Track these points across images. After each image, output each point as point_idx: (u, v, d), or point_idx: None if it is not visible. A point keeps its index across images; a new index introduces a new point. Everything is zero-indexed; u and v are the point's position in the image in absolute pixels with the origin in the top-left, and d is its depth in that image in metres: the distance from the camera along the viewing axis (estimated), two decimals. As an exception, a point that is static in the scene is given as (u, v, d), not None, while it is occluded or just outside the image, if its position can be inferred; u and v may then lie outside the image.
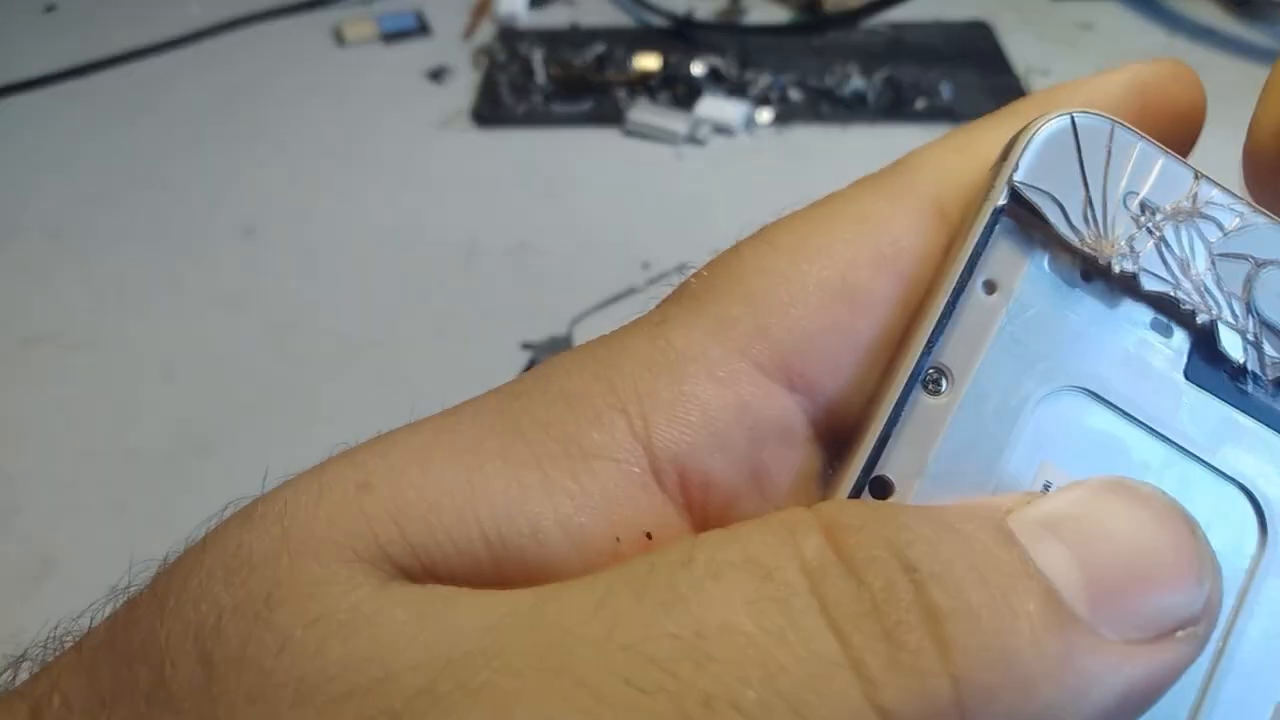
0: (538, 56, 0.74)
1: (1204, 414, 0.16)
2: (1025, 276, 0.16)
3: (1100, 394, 0.16)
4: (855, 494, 0.16)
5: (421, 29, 0.81)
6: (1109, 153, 0.16)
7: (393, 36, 0.80)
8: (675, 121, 0.69)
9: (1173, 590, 0.14)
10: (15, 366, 0.57)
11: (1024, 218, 0.16)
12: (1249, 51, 0.74)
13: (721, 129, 0.69)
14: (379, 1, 0.83)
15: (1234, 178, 0.18)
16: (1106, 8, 0.81)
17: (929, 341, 0.16)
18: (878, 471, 0.16)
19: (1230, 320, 0.16)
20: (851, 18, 0.77)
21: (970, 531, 0.13)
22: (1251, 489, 0.16)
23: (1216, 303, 0.16)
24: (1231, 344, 0.16)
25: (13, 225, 0.66)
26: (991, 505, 0.14)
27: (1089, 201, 0.16)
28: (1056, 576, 0.13)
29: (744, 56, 0.75)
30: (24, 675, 0.15)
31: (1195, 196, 0.17)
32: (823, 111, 0.70)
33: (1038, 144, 0.16)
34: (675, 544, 0.14)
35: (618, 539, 0.15)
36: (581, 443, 0.15)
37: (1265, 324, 0.16)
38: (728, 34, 0.78)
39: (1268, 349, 0.16)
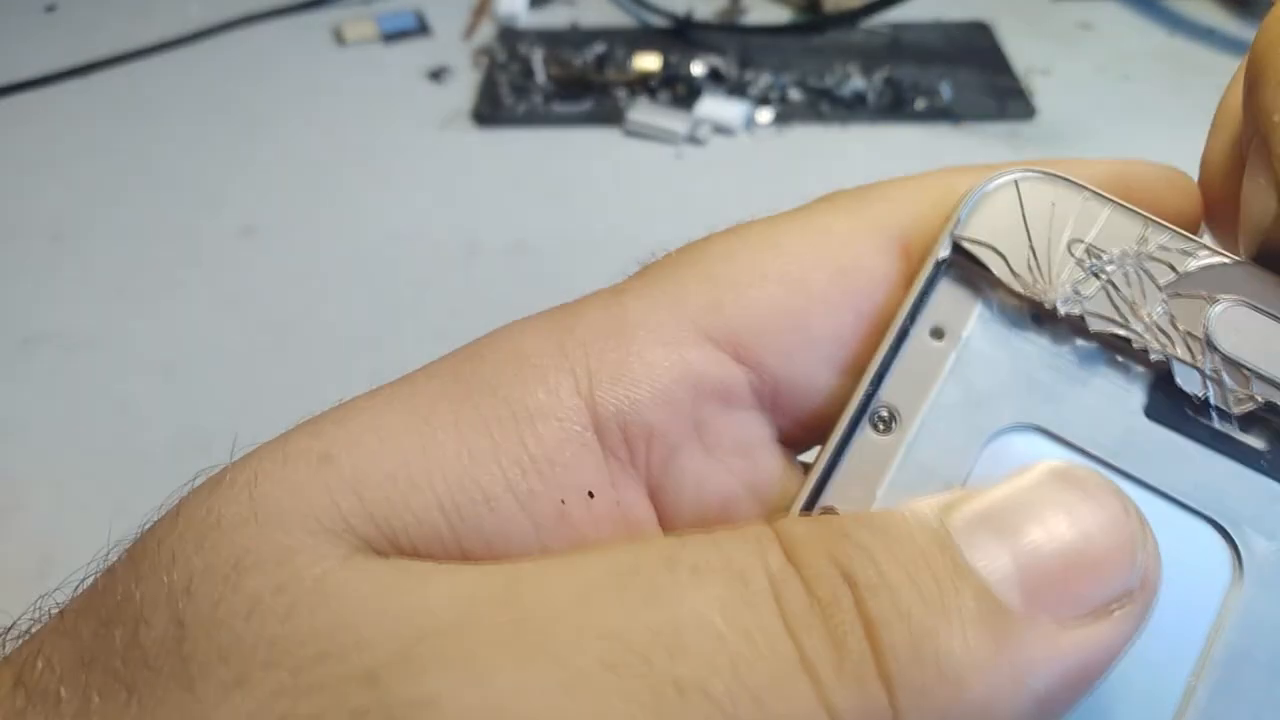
0: (538, 56, 0.74)
1: (1168, 450, 0.17)
2: (975, 323, 0.17)
3: (1055, 433, 0.17)
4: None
5: (421, 29, 0.81)
6: (1053, 205, 0.17)
7: (393, 36, 0.80)
8: (675, 121, 0.69)
9: (1107, 570, 0.14)
10: (15, 366, 0.57)
11: (968, 268, 0.17)
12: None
13: (721, 129, 0.69)
14: (379, 1, 0.83)
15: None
16: (1106, 8, 0.81)
17: (871, 384, 0.17)
18: (826, 503, 0.17)
19: (1185, 357, 0.17)
20: (851, 18, 0.77)
21: (906, 536, 0.14)
22: (1223, 522, 0.16)
23: (1170, 341, 0.17)
24: (1188, 380, 0.17)
25: (13, 225, 0.66)
26: (931, 503, 0.15)
27: (1032, 250, 0.17)
28: (990, 570, 0.14)
29: (744, 56, 0.75)
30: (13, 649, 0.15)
31: (1145, 241, 0.17)
32: (823, 111, 0.70)
33: (979, 200, 0.17)
34: (658, 542, 0.15)
35: (563, 501, 0.16)
36: (527, 404, 0.16)
37: (1226, 359, 0.17)
38: (728, 34, 0.78)
39: (1229, 383, 0.17)
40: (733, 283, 0.17)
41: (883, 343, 0.17)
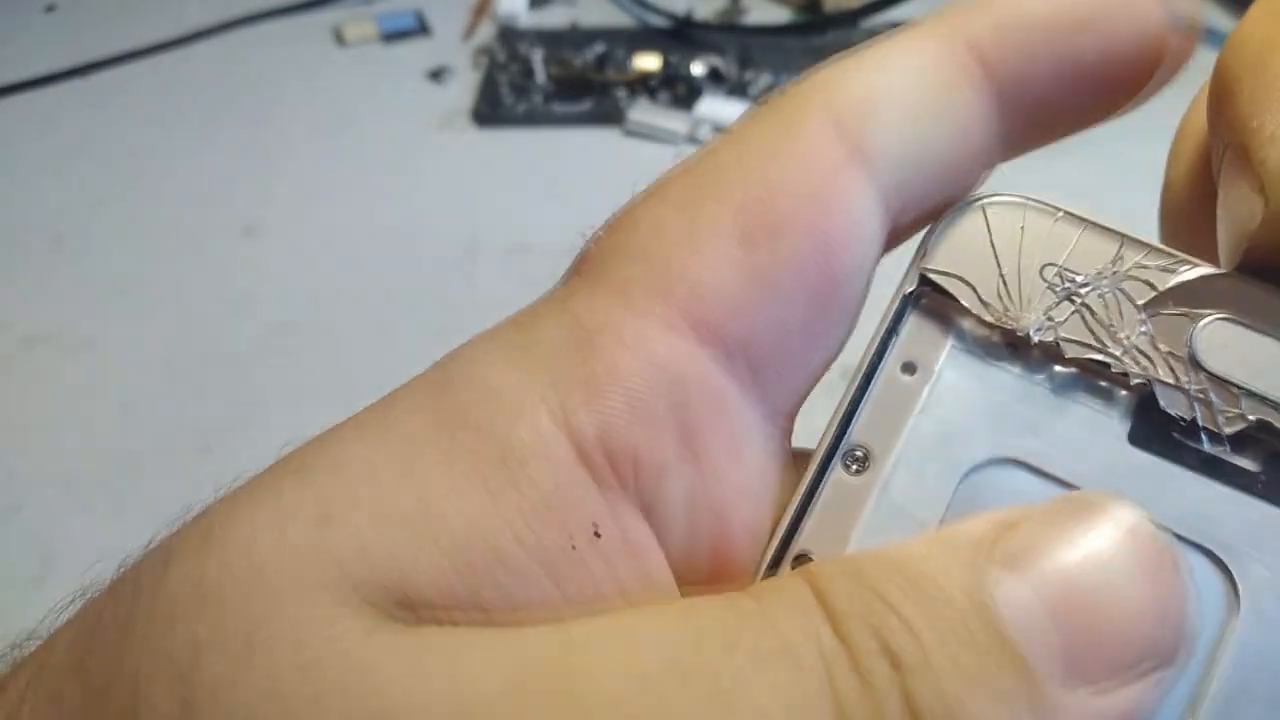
0: (538, 56, 0.74)
1: (1154, 477, 0.16)
2: (948, 356, 0.17)
3: (1035, 465, 0.16)
4: (773, 566, 0.16)
5: (421, 29, 0.81)
6: (1023, 229, 0.17)
7: (393, 36, 0.80)
8: (675, 121, 0.69)
9: (1151, 635, 0.14)
10: (15, 366, 0.57)
11: (938, 301, 0.17)
12: (1249, 51, 0.74)
13: (722, 129, 0.69)
14: (379, 1, 0.83)
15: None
16: (1106, 8, 0.81)
17: (840, 425, 0.16)
18: (800, 548, 0.16)
19: (1168, 378, 0.16)
20: (851, 18, 0.77)
21: (945, 600, 0.14)
22: (1217, 551, 0.16)
23: (1151, 362, 0.16)
24: (1172, 402, 0.16)
25: (13, 226, 0.66)
26: (966, 548, 0.14)
27: (1002, 278, 0.17)
28: (1031, 639, 0.14)
29: (744, 56, 0.75)
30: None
31: (1121, 260, 0.17)
32: (823, 111, 0.70)
33: (946, 232, 0.17)
34: (714, 616, 0.14)
35: (574, 546, 0.15)
36: (512, 443, 0.15)
37: (1212, 377, 0.16)
38: (728, 34, 0.78)
39: (1217, 403, 0.16)
40: (671, 256, 0.16)
41: (852, 380, 0.17)
